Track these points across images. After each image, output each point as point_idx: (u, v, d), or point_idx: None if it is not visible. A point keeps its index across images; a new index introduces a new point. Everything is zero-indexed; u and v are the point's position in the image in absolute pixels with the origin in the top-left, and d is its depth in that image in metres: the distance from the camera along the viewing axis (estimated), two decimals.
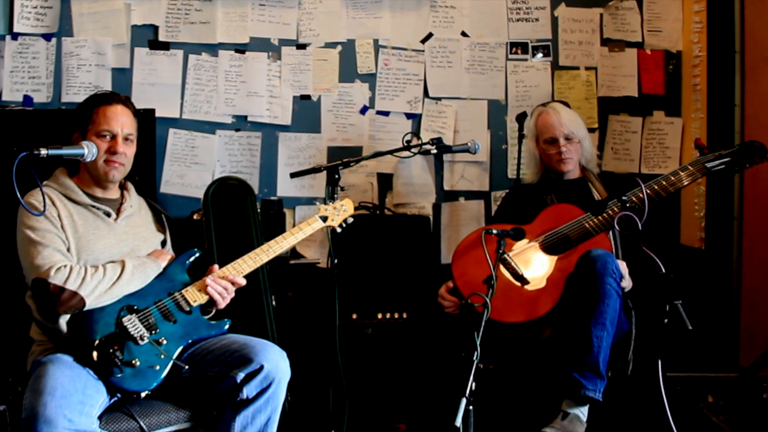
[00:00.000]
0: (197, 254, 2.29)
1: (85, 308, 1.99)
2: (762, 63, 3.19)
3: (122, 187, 2.32)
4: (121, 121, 2.19)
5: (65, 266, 1.99)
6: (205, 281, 2.19)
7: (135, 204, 2.32)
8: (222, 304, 2.19)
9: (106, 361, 1.96)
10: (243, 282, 2.23)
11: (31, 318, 2.10)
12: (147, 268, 2.15)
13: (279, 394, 2.10)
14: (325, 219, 2.45)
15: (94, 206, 2.18)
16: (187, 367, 2.07)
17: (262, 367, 2.04)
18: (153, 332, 2.06)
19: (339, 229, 2.48)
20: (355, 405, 2.76)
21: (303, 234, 2.37)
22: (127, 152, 2.22)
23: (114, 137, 2.18)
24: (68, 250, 2.08)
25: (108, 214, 2.21)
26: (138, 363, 2.01)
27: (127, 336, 2.02)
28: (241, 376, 2.03)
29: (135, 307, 2.08)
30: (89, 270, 2.03)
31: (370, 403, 2.92)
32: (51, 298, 1.96)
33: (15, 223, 2.09)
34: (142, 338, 2.04)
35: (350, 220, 2.51)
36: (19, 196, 1.72)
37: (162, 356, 2.05)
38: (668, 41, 3.54)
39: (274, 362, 2.07)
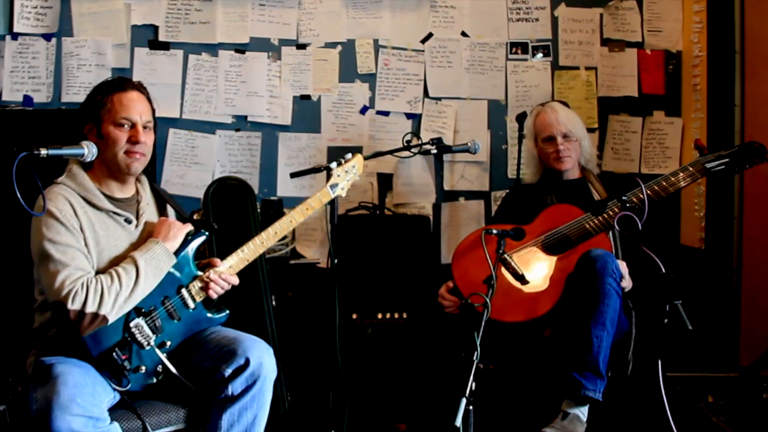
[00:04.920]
0: (205, 237, 2.19)
1: (109, 323, 1.93)
2: (762, 63, 3.19)
3: (135, 180, 2.21)
4: (139, 109, 2.07)
5: (82, 285, 1.90)
6: (206, 281, 2.13)
7: (150, 201, 2.23)
8: (215, 295, 2.15)
9: (115, 372, 1.94)
10: (235, 281, 2.18)
11: (31, 318, 2.08)
12: (158, 262, 2.04)
13: (265, 391, 2.07)
14: (334, 187, 2.39)
15: (115, 213, 2.08)
16: (193, 387, 2.06)
17: (247, 361, 2.01)
18: (158, 334, 2.04)
19: (344, 194, 2.44)
20: (355, 405, 2.76)
21: (313, 209, 2.31)
22: (148, 141, 2.09)
23: (134, 126, 2.05)
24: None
25: (128, 221, 2.11)
26: (143, 369, 2.00)
27: (135, 341, 1.99)
28: (228, 371, 2.02)
29: (142, 309, 2.02)
30: (105, 283, 1.92)
31: (370, 403, 2.92)
32: (72, 325, 1.90)
33: (15, 223, 2.05)
34: (148, 344, 2.01)
35: (357, 179, 2.48)
36: (43, 195, 1.64)
37: (165, 356, 2.04)
38: (668, 41, 3.54)
39: (259, 357, 2.04)
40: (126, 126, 2.06)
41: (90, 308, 1.89)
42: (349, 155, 2.49)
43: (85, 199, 2.04)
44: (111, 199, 2.10)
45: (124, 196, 2.15)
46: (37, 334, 2.07)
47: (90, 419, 1.78)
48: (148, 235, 2.13)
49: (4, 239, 2.15)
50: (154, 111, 2.17)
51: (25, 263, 2.08)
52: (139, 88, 2.13)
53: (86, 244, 1.99)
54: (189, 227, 2.17)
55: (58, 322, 1.96)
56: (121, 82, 2.12)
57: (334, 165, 2.42)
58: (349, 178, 2.44)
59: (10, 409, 1.99)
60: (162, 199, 2.28)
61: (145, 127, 2.09)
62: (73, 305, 1.88)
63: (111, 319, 1.93)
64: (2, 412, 1.98)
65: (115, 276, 1.95)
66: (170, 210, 2.31)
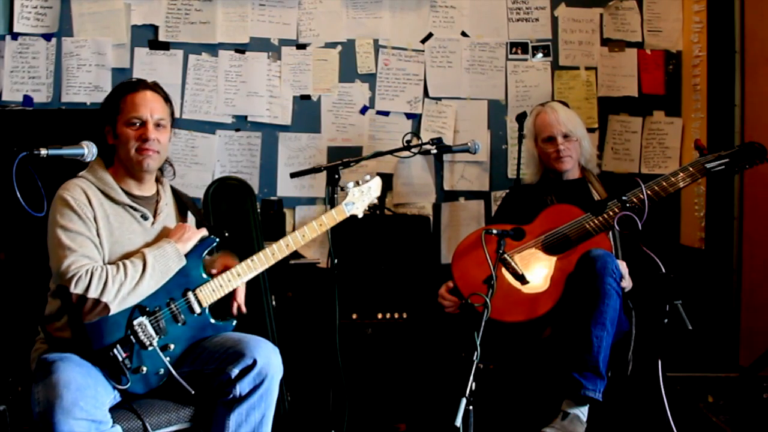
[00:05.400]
0: (215, 243, 2.20)
1: (111, 313, 1.95)
2: (762, 63, 3.19)
3: (157, 181, 2.24)
4: (150, 107, 2.12)
5: (87, 272, 1.93)
6: (236, 300, 2.22)
7: (170, 203, 2.25)
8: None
9: (115, 370, 1.94)
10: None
11: (33, 315, 2.08)
12: (167, 260, 2.06)
13: (272, 390, 2.09)
14: (349, 205, 2.39)
15: (132, 207, 2.11)
16: (193, 392, 2.06)
17: (255, 362, 2.03)
18: (161, 336, 2.03)
19: (361, 215, 2.44)
20: (355, 405, 2.76)
21: (326, 227, 2.32)
22: (161, 138, 2.13)
23: (144, 124, 2.10)
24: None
25: (145, 218, 2.13)
26: (145, 370, 2.00)
27: (137, 340, 1.99)
28: (235, 372, 2.02)
29: (146, 309, 2.02)
30: (110, 272, 1.95)
31: (370, 403, 2.92)
32: (75, 308, 1.92)
33: (16, 224, 2.07)
34: (151, 344, 2.01)
35: (375, 201, 2.47)
36: (43, 195, 1.69)
37: (167, 359, 2.04)
38: (668, 41, 3.54)
39: (266, 357, 2.06)
40: (137, 124, 2.11)
41: (92, 294, 1.92)
42: (368, 177, 2.48)
43: (103, 192, 2.09)
44: (129, 195, 2.14)
45: (142, 194, 2.18)
46: (46, 319, 2.06)
47: (93, 423, 1.79)
48: (163, 236, 2.15)
49: (6, 240, 2.15)
50: (172, 110, 2.23)
51: (28, 264, 2.08)
52: (154, 87, 2.19)
53: (99, 235, 2.02)
54: (204, 232, 2.20)
55: (66, 308, 1.98)
56: (135, 83, 2.18)
57: (351, 185, 2.41)
58: (366, 200, 2.44)
59: (10, 409, 2.00)
60: (184, 206, 2.30)
61: (158, 125, 2.14)
62: (76, 289, 1.91)
63: (113, 309, 1.95)
64: (2, 412, 1.98)
65: (122, 267, 1.99)
66: (191, 217, 2.31)
